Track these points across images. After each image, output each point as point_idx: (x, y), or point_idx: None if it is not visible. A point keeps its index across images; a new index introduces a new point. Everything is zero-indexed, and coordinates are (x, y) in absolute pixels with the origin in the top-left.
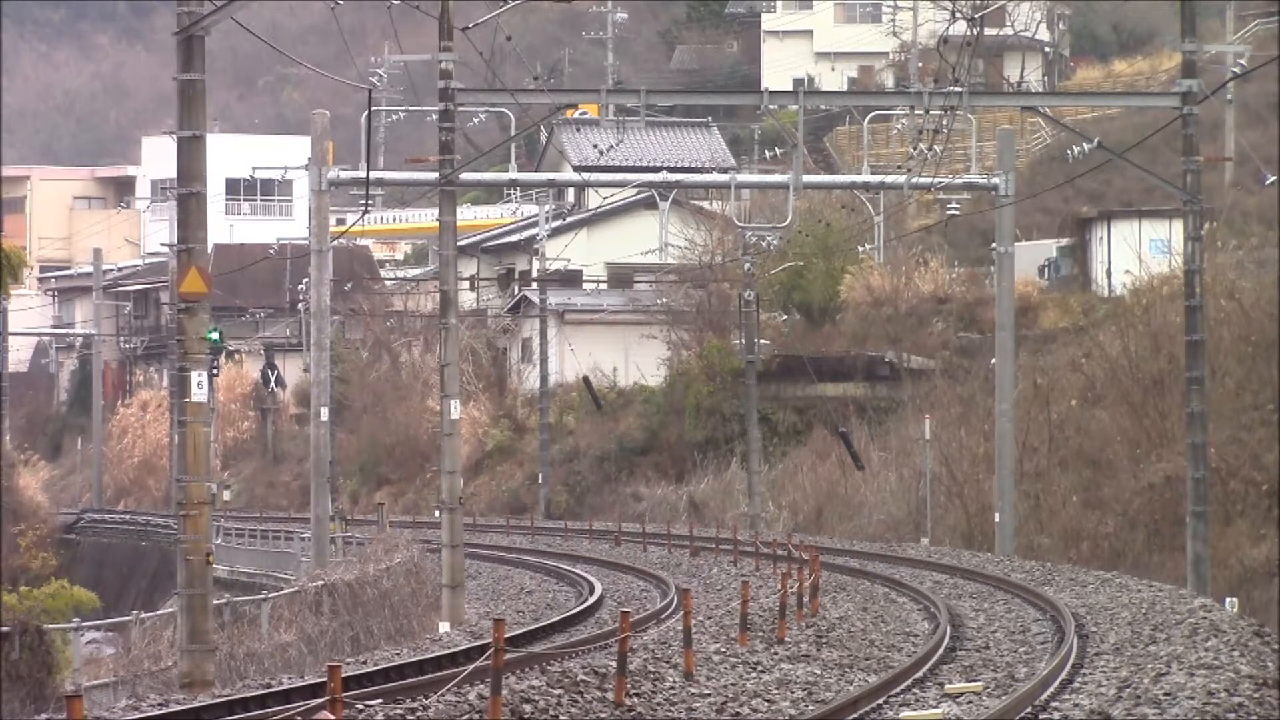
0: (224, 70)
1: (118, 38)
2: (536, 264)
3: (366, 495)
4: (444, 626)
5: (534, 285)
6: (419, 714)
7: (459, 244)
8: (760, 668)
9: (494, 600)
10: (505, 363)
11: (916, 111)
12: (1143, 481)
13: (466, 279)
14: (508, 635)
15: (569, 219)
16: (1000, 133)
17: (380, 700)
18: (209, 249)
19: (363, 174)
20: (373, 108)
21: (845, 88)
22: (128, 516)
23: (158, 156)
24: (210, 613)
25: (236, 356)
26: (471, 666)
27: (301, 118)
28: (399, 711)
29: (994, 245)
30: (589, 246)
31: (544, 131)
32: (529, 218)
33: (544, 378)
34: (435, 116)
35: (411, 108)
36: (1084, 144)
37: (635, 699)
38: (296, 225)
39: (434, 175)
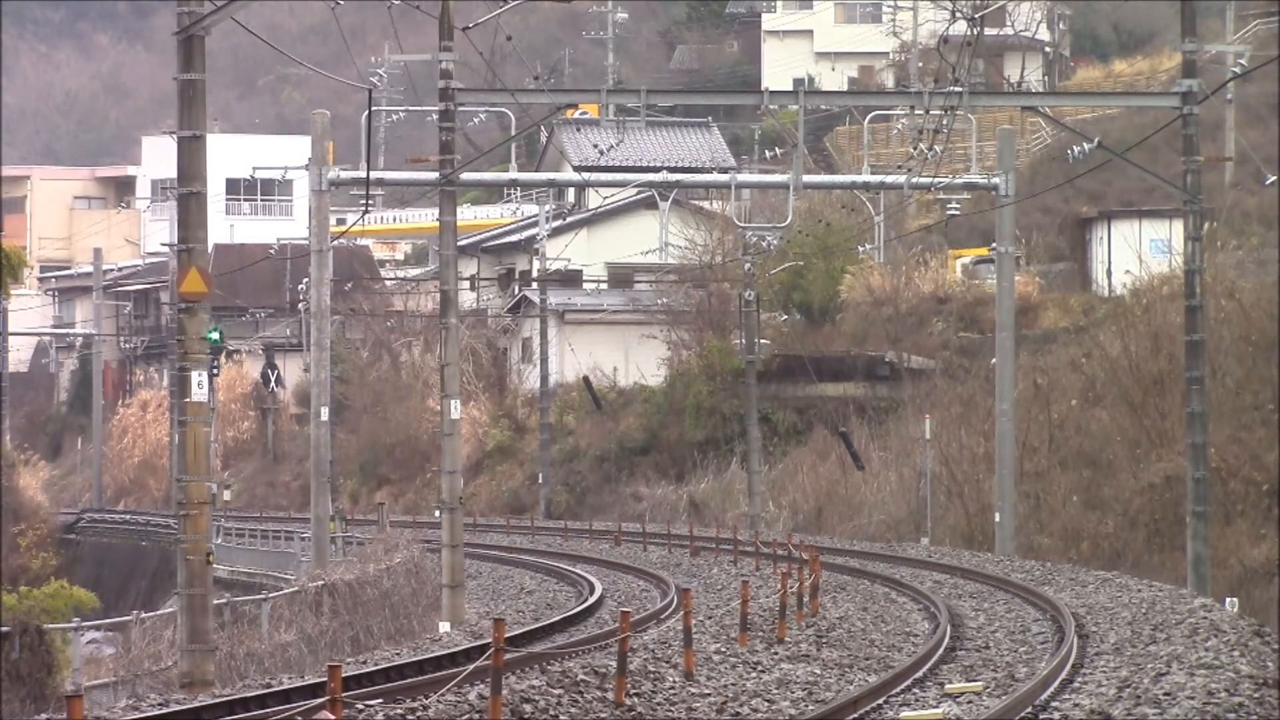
0: (224, 70)
1: (118, 38)
2: (536, 264)
3: (366, 495)
4: (444, 626)
5: (534, 285)
6: (419, 714)
7: (459, 244)
8: (760, 668)
9: (494, 600)
10: (505, 363)
11: (916, 111)
12: (1143, 481)
13: (466, 279)
14: (508, 635)
15: (569, 219)
16: (1000, 133)
17: (380, 700)
18: (209, 249)
19: (363, 174)
20: (373, 108)
21: (845, 88)
22: (128, 516)
23: (158, 156)
24: (210, 613)
25: (236, 356)
26: (471, 666)
27: (301, 118)
28: (399, 711)
29: (994, 245)
30: (589, 246)
31: (544, 131)
32: (529, 218)
33: (544, 378)
34: (435, 116)
35: (411, 108)
36: (1084, 144)
37: (635, 699)
38: (296, 225)
39: (434, 175)
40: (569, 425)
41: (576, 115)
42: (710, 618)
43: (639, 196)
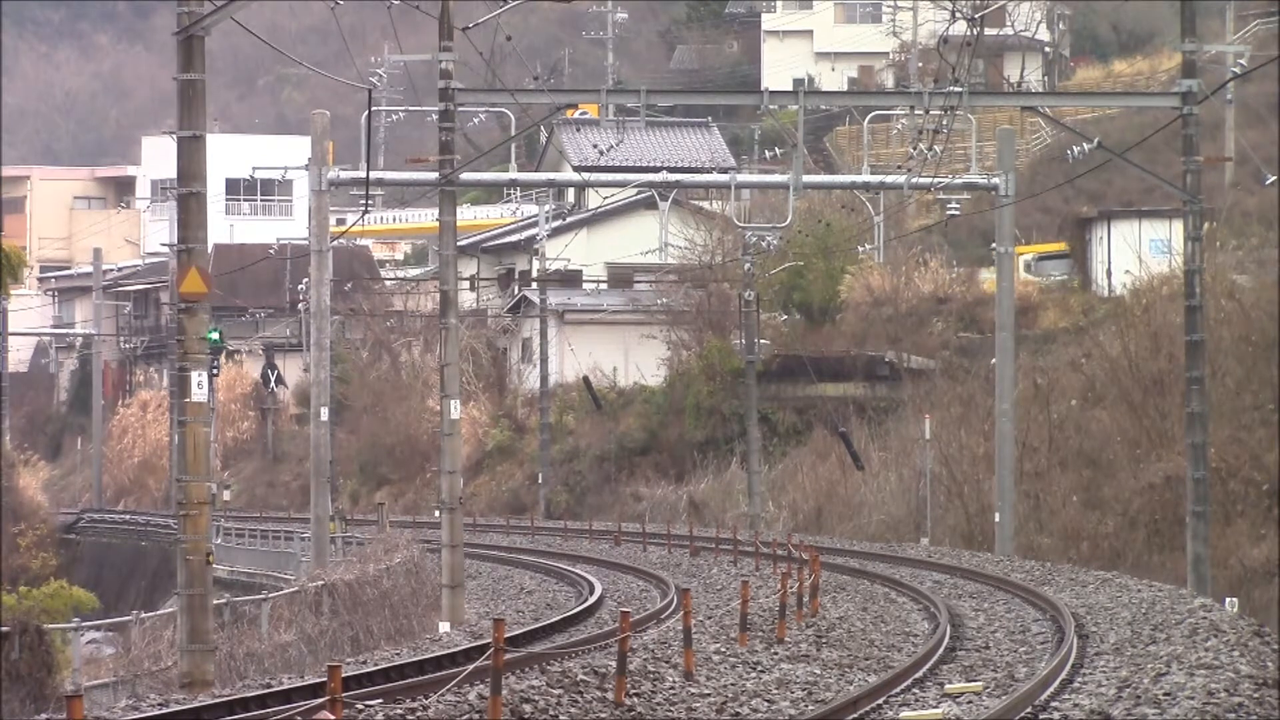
0: (224, 70)
1: (118, 38)
2: (536, 264)
3: (366, 495)
4: (444, 626)
5: (534, 285)
6: (419, 714)
7: (459, 244)
8: (760, 668)
9: (494, 600)
10: (505, 363)
11: (916, 111)
12: (1143, 481)
13: (466, 279)
14: (508, 635)
15: (569, 219)
16: (1000, 133)
17: (380, 700)
18: (209, 249)
19: (363, 174)
20: (373, 108)
21: (845, 88)
22: (128, 516)
23: (158, 156)
24: (210, 613)
25: (236, 356)
26: (471, 666)
27: (301, 118)
28: (399, 711)
29: (994, 245)
30: (589, 246)
31: (544, 131)
32: (529, 218)
33: (544, 378)
34: (435, 116)
35: (411, 108)
36: (1084, 144)
37: (635, 699)
38: (296, 225)
39: (434, 175)
40: (569, 425)
41: (576, 115)
42: (710, 618)
43: (639, 196)
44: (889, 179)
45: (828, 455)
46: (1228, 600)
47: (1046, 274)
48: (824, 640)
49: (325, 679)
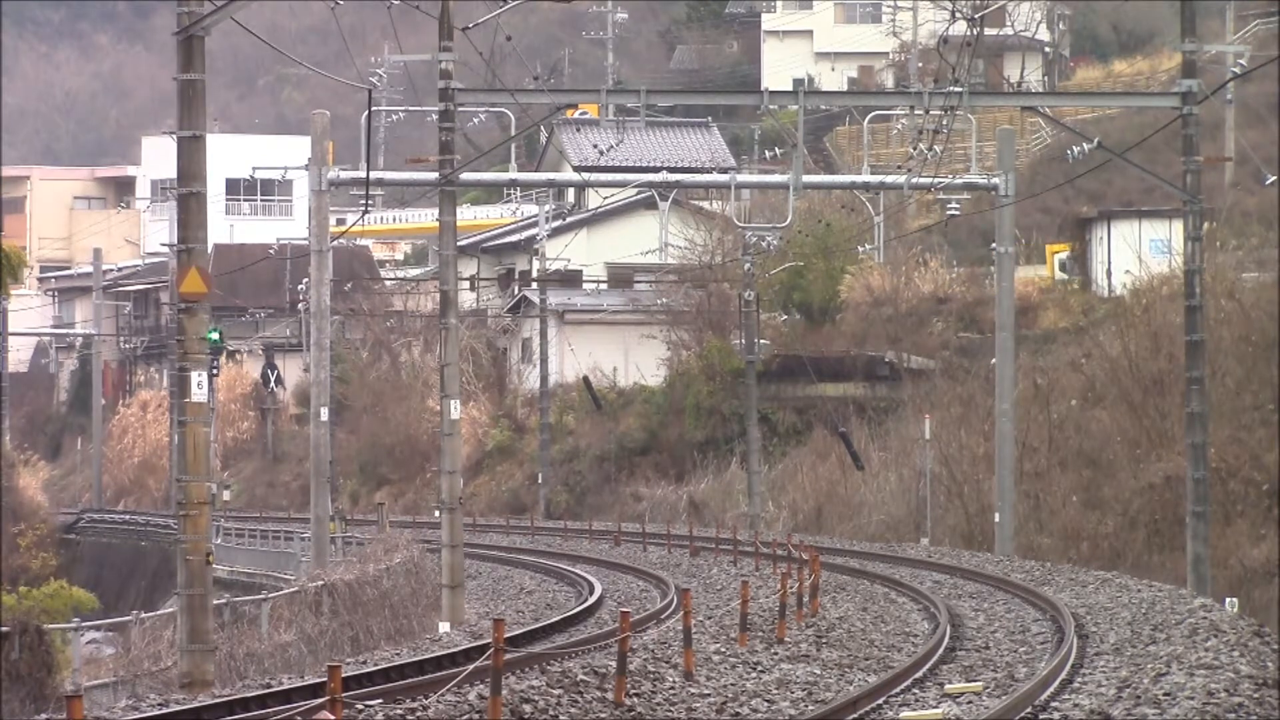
0: (224, 70)
1: (118, 38)
2: (536, 264)
3: (366, 495)
4: (444, 626)
5: (534, 285)
6: (419, 714)
7: (459, 244)
8: (760, 668)
9: (494, 600)
10: (505, 363)
11: (916, 111)
12: (1143, 481)
13: (466, 279)
14: (508, 635)
15: (569, 219)
16: (1000, 133)
17: (380, 700)
18: (209, 249)
19: (363, 174)
20: (373, 108)
21: (845, 88)
22: (128, 516)
23: (158, 156)
24: (210, 613)
25: (236, 356)
26: (471, 666)
27: (301, 118)
28: (399, 711)
29: (994, 245)
30: (589, 246)
31: (544, 131)
32: (529, 218)
33: (544, 378)
34: (435, 116)
35: (411, 108)
36: (1084, 144)
37: (635, 699)
38: (296, 225)
39: (434, 175)
40: (569, 425)
41: (576, 115)
42: (710, 618)
43: (639, 196)
44: (889, 179)
45: (828, 455)
46: (1228, 600)
47: (1080, 272)
48: (824, 640)
49: (325, 679)
